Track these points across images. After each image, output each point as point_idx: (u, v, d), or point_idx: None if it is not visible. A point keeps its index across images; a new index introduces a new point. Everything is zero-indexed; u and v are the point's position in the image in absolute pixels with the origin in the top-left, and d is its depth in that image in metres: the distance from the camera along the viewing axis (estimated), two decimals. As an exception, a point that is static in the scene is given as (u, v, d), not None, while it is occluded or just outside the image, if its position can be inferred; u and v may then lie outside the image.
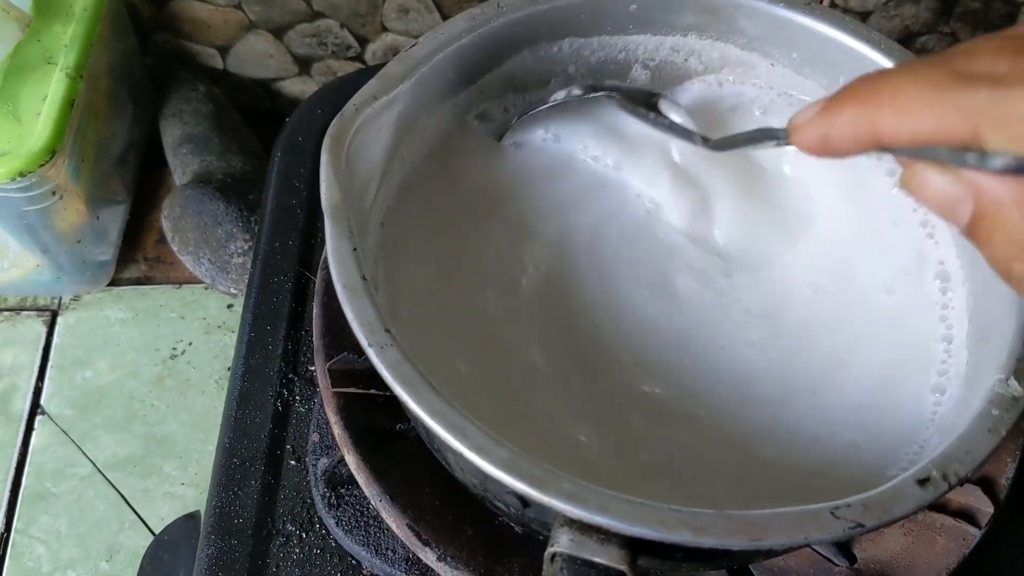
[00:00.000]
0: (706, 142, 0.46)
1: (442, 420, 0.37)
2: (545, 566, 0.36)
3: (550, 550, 0.36)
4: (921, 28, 0.83)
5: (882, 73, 0.31)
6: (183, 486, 0.69)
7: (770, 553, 0.45)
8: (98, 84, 0.71)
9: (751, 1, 0.51)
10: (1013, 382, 0.40)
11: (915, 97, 0.29)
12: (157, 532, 0.66)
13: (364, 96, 0.46)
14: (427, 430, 0.43)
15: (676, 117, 0.50)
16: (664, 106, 0.51)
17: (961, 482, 0.37)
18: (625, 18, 0.53)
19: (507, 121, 0.53)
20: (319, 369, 0.50)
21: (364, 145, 0.46)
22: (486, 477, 0.40)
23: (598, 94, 0.51)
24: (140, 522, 0.68)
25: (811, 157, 0.34)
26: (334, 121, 0.44)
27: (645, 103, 0.51)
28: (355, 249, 0.41)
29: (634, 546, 0.36)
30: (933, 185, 0.31)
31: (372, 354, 0.39)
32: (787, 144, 0.38)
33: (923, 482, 0.37)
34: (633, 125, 0.52)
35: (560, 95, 0.51)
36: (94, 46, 0.67)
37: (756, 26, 0.53)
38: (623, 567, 0.35)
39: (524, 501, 0.39)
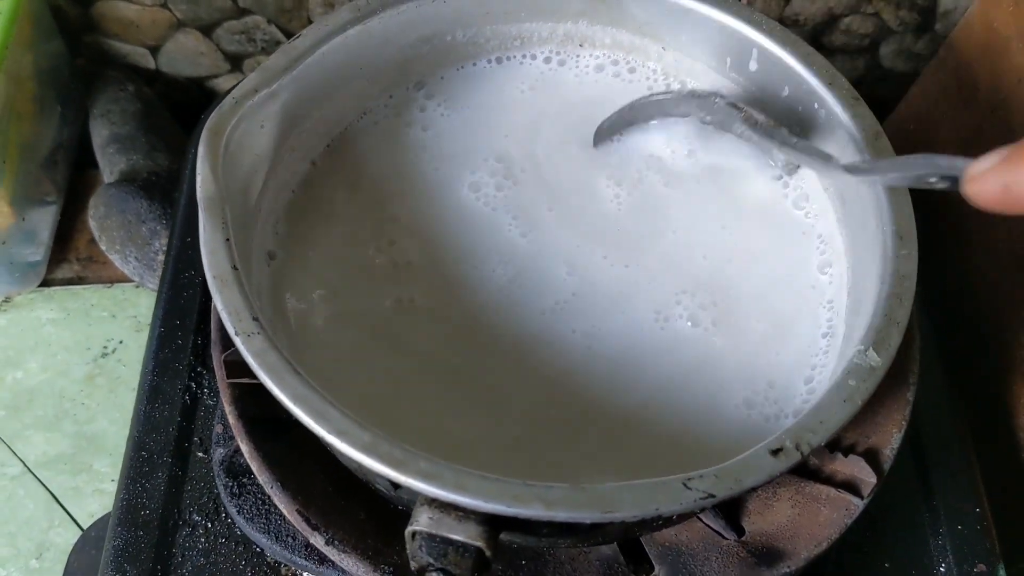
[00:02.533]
0: (844, 167, 0.44)
1: (304, 405, 0.38)
2: (407, 544, 0.37)
3: (410, 528, 0.37)
4: (844, 9, 0.83)
5: None
6: (113, 483, 0.69)
7: (646, 526, 0.45)
8: (22, 87, 0.72)
9: (638, -14, 0.52)
10: (871, 352, 0.40)
11: None
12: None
13: (244, 89, 0.46)
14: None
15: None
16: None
17: (812, 451, 0.38)
18: (516, 7, 0.54)
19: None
20: (215, 360, 0.50)
21: (246, 137, 0.46)
22: (357, 461, 0.41)
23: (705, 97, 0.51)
24: (70, 519, 0.68)
25: (987, 208, 0.33)
26: (212, 115, 0.45)
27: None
28: (228, 239, 0.42)
29: (493, 522, 0.37)
30: None
31: (239, 342, 0.39)
32: (949, 187, 0.37)
33: (776, 452, 0.38)
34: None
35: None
36: (15, 50, 0.68)
37: (644, 10, 0.53)
38: (480, 543, 0.36)
39: (394, 483, 0.40)
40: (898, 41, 0.87)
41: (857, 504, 0.47)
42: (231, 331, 0.40)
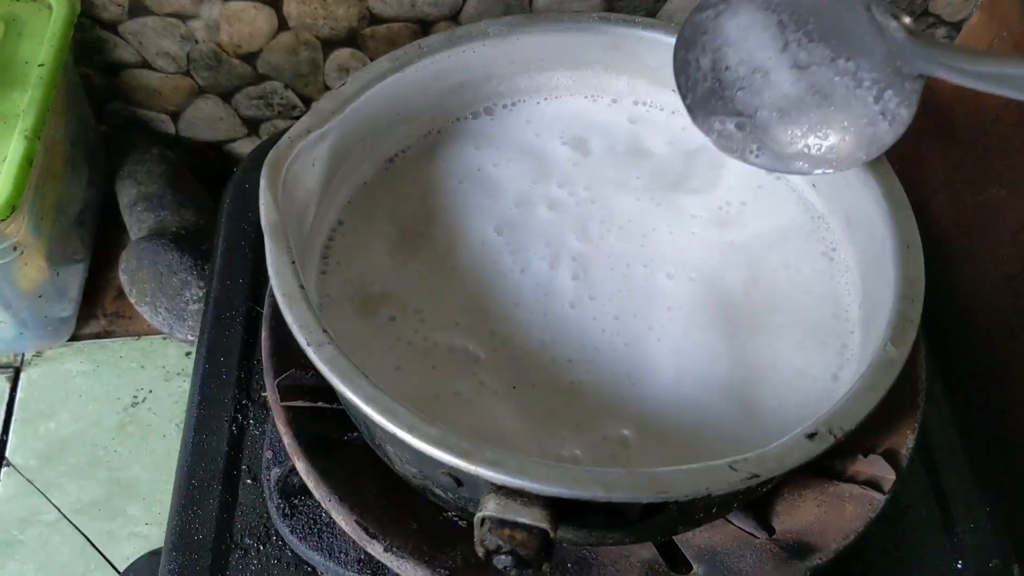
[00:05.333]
0: None
1: (376, 405, 0.41)
2: (476, 530, 0.40)
3: (479, 515, 0.39)
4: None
5: None
6: (147, 526, 0.71)
7: (688, 520, 0.48)
8: (55, 149, 0.76)
9: (650, 34, 0.57)
10: (890, 347, 0.44)
11: None
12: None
13: (298, 129, 0.50)
14: (365, 422, 0.47)
15: None
16: None
17: (845, 436, 0.41)
18: (538, 57, 0.59)
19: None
20: (268, 386, 0.53)
21: (300, 174, 0.50)
22: (421, 461, 0.44)
23: None
24: (106, 563, 0.70)
25: None
26: (271, 151, 0.49)
27: None
28: (293, 262, 0.45)
29: (555, 507, 0.40)
30: None
31: (311, 352, 0.42)
32: None
33: (811, 436, 0.41)
34: None
35: None
36: (50, 114, 0.71)
37: (657, 57, 0.58)
38: (544, 525, 0.39)
39: (457, 480, 0.43)
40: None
41: (879, 499, 0.50)
42: (303, 343, 0.43)
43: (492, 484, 0.40)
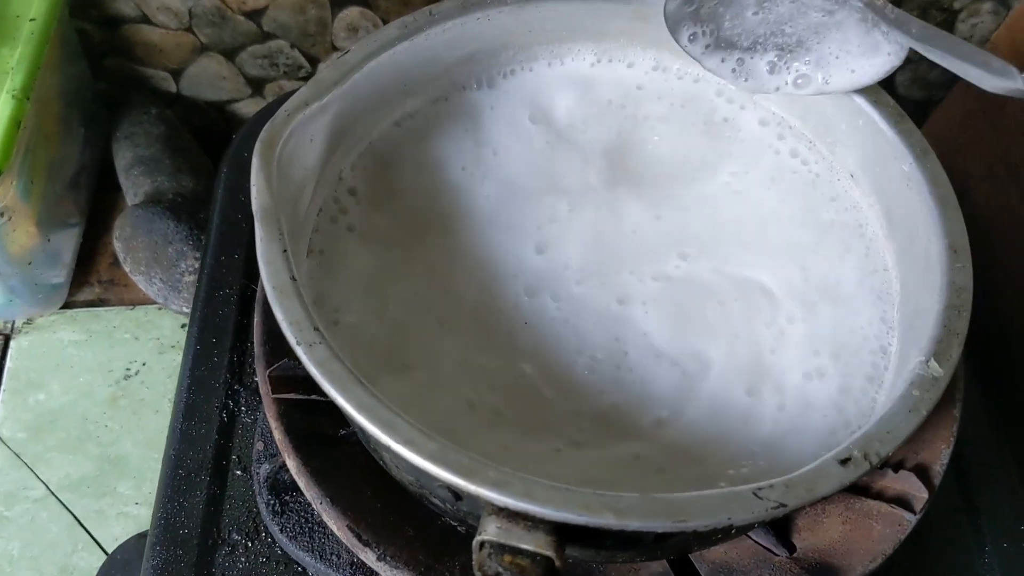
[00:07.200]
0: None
1: (370, 415, 0.37)
2: (474, 555, 0.37)
3: (478, 538, 0.36)
4: (862, 37, 0.84)
5: None
6: (137, 505, 0.69)
7: (705, 541, 0.45)
8: (48, 108, 0.72)
9: (679, 6, 0.53)
10: (933, 363, 0.40)
11: None
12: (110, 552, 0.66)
13: (296, 102, 0.46)
14: (360, 428, 0.43)
15: None
16: None
17: (882, 462, 0.38)
18: (558, 26, 0.54)
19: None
20: (260, 375, 0.50)
21: (297, 151, 0.46)
22: (419, 472, 0.41)
23: None
24: (94, 543, 0.67)
25: None
26: (265, 127, 0.45)
27: None
28: (285, 251, 0.42)
29: (561, 532, 0.36)
30: None
31: (301, 352, 0.39)
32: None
33: (844, 462, 0.38)
34: None
35: None
36: (42, 70, 0.68)
37: (686, 30, 0.54)
38: (550, 552, 0.36)
39: (456, 494, 0.40)
40: (913, 70, 0.88)
41: (910, 519, 0.47)
42: (292, 341, 0.39)
43: (494, 505, 0.36)
